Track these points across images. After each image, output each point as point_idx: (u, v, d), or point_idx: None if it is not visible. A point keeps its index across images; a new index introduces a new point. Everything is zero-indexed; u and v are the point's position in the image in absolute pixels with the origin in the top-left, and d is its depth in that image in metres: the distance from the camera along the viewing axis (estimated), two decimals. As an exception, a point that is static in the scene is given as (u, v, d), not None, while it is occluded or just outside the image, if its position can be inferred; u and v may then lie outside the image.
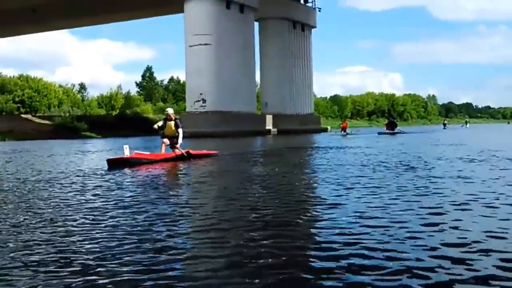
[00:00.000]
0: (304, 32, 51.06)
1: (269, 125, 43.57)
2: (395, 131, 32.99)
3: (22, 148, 22.63)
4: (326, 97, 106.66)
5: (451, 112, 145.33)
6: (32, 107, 56.32)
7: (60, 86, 62.56)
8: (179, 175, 8.76)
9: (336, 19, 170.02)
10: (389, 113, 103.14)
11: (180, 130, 11.46)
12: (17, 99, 54.71)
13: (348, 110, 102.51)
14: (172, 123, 11.53)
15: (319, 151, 14.69)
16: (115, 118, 51.96)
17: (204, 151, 12.59)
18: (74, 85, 70.02)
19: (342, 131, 33.84)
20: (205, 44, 37.49)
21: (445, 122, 62.10)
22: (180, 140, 11.40)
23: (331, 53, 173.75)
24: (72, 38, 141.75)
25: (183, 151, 11.47)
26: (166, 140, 11.53)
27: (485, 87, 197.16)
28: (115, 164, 9.88)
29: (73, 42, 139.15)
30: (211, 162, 10.90)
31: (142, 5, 43.32)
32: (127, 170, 9.23)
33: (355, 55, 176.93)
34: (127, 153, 10.23)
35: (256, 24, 45.57)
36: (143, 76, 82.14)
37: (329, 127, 53.14)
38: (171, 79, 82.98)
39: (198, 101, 37.96)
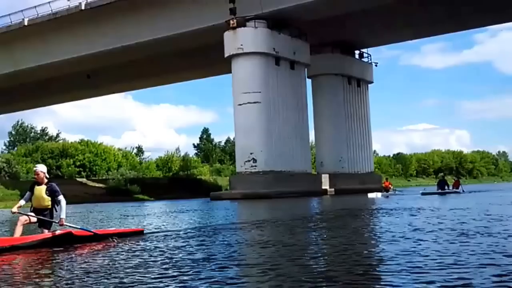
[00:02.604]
0: (360, 87, 47.97)
1: (325, 185, 39.83)
2: (446, 190, 27.80)
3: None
4: (389, 156, 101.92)
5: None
6: (92, 170, 56.65)
7: (119, 149, 63.10)
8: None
9: (399, 77, 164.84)
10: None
11: (62, 198, 7.10)
12: (78, 163, 55.25)
13: (412, 168, 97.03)
14: (43, 188, 7.10)
15: (376, 214, 12.34)
16: (169, 180, 50.60)
17: (111, 230, 8.13)
18: (133, 148, 70.68)
19: (384, 191, 29.33)
20: (254, 102, 35.36)
21: None
22: (63, 214, 7.03)
23: (394, 110, 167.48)
24: (136, 104, 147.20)
25: (64, 231, 7.13)
26: (25, 218, 6.98)
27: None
28: None
29: (138, 107, 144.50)
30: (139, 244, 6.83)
31: (189, 67, 42.81)
32: None
33: (419, 112, 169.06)
34: None
35: (309, 80, 43.27)
36: (200, 138, 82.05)
37: (391, 186, 48.60)
38: (228, 140, 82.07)
39: (249, 161, 35.35)
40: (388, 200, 22.00)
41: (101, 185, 46.00)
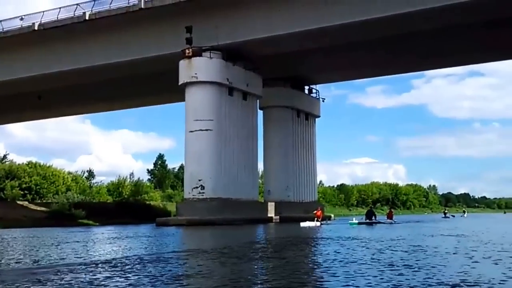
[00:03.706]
0: (308, 121, 48.04)
1: (271, 213, 38.79)
2: (373, 221, 28.07)
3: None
4: (333, 186, 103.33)
5: (450, 201, 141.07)
6: (39, 193, 52.49)
7: (69, 173, 59.24)
8: None
9: (345, 113, 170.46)
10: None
11: None
12: (23, 185, 51.03)
13: (354, 198, 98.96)
14: None
15: (307, 243, 12.43)
16: (117, 205, 47.63)
17: None
18: (84, 172, 66.73)
19: (316, 221, 28.05)
20: (206, 130, 34.12)
21: (445, 211, 58.09)
22: None
23: (339, 144, 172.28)
24: (94, 129, 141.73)
25: None
26: None
27: (481, 179, 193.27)
28: None
29: (95, 132, 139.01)
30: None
31: (145, 93, 41.21)
32: None
33: (362, 147, 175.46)
34: None
35: (260, 111, 42.72)
36: (155, 164, 79.52)
37: (332, 215, 48.41)
38: (181, 166, 79.84)
39: (197, 187, 33.75)
40: (320, 229, 21.51)
41: (43, 208, 42.41)
